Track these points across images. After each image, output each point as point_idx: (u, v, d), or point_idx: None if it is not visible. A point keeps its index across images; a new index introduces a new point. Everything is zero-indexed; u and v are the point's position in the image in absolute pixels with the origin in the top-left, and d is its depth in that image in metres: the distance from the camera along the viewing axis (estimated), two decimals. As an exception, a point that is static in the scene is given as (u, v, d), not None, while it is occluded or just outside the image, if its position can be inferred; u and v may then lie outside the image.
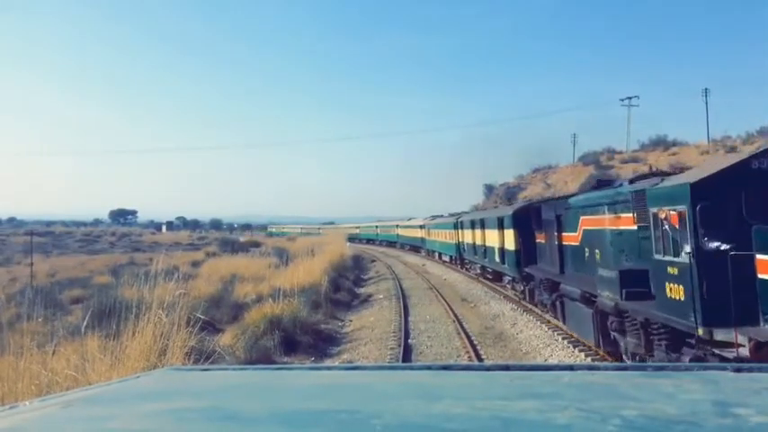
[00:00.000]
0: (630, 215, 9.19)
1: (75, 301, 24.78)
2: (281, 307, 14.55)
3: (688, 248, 7.29)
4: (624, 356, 9.83)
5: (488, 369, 1.55)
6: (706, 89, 59.05)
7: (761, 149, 8.25)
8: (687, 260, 7.32)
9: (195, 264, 36.63)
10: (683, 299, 7.38)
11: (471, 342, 13.45)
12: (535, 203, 17.91)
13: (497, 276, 22.55)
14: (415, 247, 51.54)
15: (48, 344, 7.91)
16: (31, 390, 6.02)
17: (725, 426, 0.96)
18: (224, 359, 10.93)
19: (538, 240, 16.04)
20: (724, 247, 6.88)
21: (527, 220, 16.88)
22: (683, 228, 7.44)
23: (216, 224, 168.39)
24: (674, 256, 7.68)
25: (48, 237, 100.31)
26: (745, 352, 6.52)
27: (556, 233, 13.71)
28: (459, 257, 31.93)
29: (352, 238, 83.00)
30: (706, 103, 57.83)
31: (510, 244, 18.75)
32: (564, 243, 13.25)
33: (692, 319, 7.12)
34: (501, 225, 20.10)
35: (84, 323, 8.42)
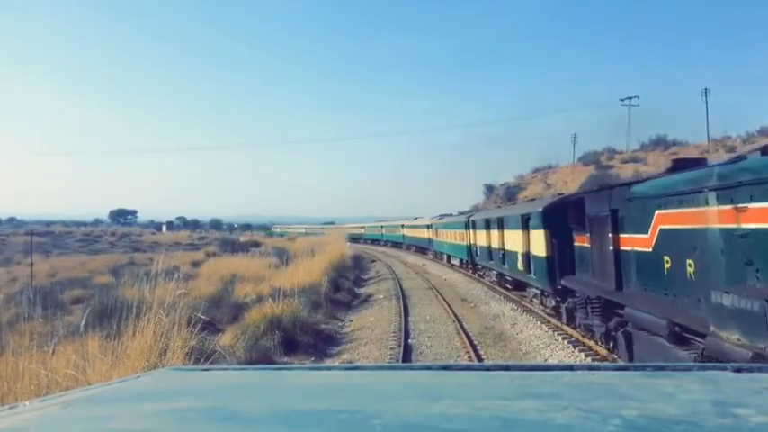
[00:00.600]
0: None
1: (76, 301, 24.80)
2: (281, 307, 14.55)
3: None
4: None
5: (488, 369, 1.55)
6: (706, 89, 59.13)
7: None
8: None
9: (195, 264, 36.66)
10: None
11: (471, 342, 13.45)
12: (573, 196, 14.41)
13: (519, 286, 19.12)
14: (422, 248, 48.20)
15: (48, 344, 7.91)
16: (30, 390, 6.02)
17: (725, 426, 0.96)
18: (224, 359, 10.93)
19: (578, 244, 12.60)
20: None
21: (561, 217, 13.25)
22: None
23: (216, 224, 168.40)
24: None
25: (48, 237, 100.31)
26: None
27: (610, 234, 10.04)
28: (471, 262, 28.32)
29: (356, 239, 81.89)
30: (706, 103, 57.88)
31: (539, 248, 15.05)
32: (623, 248, 9.82)
33: None
34: (526, 225, 16.65)
35: (83, 322, 8.43)
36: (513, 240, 18.29)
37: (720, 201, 6.54)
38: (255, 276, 24.05)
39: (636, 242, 9.18)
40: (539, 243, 15.02)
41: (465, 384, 1.39)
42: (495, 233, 21.23)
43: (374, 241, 76.55)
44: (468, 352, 12.55)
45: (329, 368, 2.40)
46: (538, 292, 16.55)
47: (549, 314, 15.71)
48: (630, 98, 63.34)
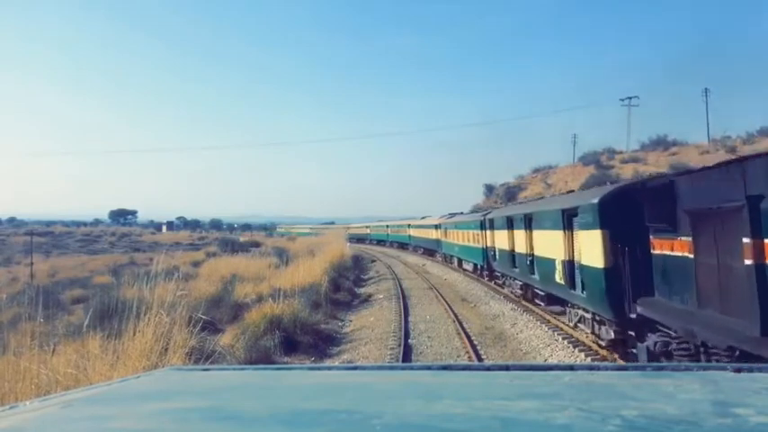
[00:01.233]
0: None
1: (76, 301, 24.83)
2: (281, 307, 14.56)
3: None
4: None
5: (488, 369, 1.55)
6: (706, 89, 59.06)
7: None
8: None
9: (195, 264, 36.66)
10: None
11: (471, 342, 13.45)
12: (653, 180, 10.37)
13: (554, 301, 14.75)
14: (430, 250, 44.26)
15: (48, 344, 7.91)
16: (31, 389, 6.02)
17: (725, 426, 0.96)
18: (224, 359, 10.94)
19: (661, 251, 8.82)
20: None
21: (632, 212, 9.37)
22: None
23: (216, 224, 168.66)
24: None
25: (48, 237, 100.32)
26: None
27: (747, 239, 6.07)
28: (487, 268, 24.29)
29: (361, 239, 79.23)
30: (706, 104, 57.84)
31: (592, 256, 10.66)
32: None
33: None
34: (568, 223, 12.25)
35: (87, 322, 8.43)
36: (547, 244, 13.97)
37: None
38: (255, 276, 24.05)
39: None
40: (592, 248, 10.58)
41: (465, 384, 1.39)
42: (520, 234, 17.04)
43: (380, 242, 72.56)
44: (468, 352, 12.55)
45: (329, 368, 2.40)
46: (587, 316, 12.03)
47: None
48: (630, 98, 63.33)
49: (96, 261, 57.36)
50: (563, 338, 13.22)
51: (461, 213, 37.79)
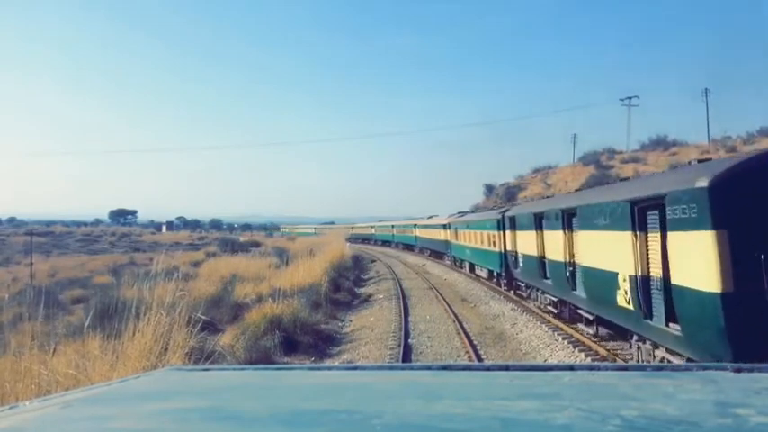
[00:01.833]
0: None
1: (76, 301, 24.83)
2: (281, 307, 14.56)
3: None
4: None
5: (488, 369, 1.55)
6: (706, 89, 59.01)
7: None
8: None
9: (195, 264, 36.66)
10: None
11: (471, 342, 13.45)
12: None
13: (609, 327, 11.62)
14: (438, 253, 40.37)
15: (49, 344, 7.92)
16: (31, 389, 6.02)
17: (725, 426, 0.96)
18: (224, 359, 10.94)
19: None
20: None
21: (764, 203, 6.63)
22: None
23: (216, 224, 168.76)
24: None
25: (48, 237, 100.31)
26: None
27: None
28: (506, 275, 20.57)
29: (365, 240, 77.47)
30: (706, 104, 57.79)
31: (698, 271, 7.01)
32: None
33: None
34: (641, 220, 8.71)
35: (87, 323, 8.43)
36: (602, 250, 10.24)
37: None
38: (255, 276, 24.05)
39: None
40: (695, 259, 7.05)
41: (465, 384, 1.39)
42: (554, 236, 13.29)
43: (385, 243, 68.68)
44: (467, 352, 12.55)
45: (329, 368, 2.40)
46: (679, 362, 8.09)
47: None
48: (630, 98, 63.25)
49: (96, 261, 57.36)
50: (563, 338, 13.22)
51: (473, 212, 34.52)
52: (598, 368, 1.45)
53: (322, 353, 13.67)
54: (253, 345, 12.29)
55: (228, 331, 15.05)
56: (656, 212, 8.19)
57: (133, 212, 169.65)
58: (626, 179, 13.74)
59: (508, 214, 19.63)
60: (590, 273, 10.96)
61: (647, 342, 9.25)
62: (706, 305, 6.81)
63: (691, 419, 0.99)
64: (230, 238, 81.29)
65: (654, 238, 8.37)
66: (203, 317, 10.12)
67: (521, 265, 17.65)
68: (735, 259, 6.53)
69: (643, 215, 8.63)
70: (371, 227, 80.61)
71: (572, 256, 12.27)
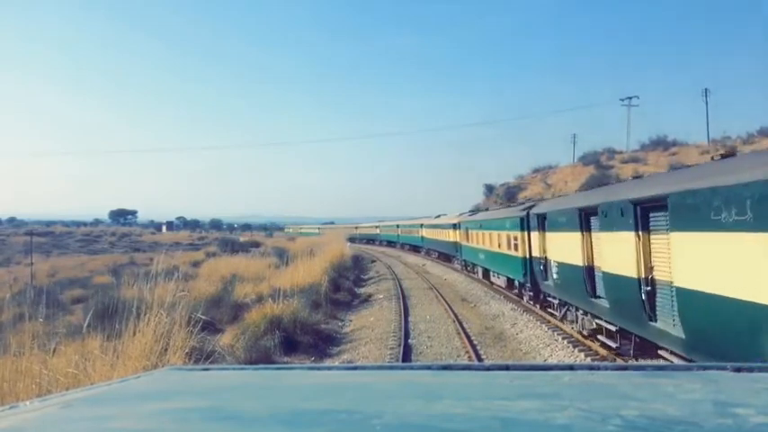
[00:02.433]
0: None
1: (76, 300, 24.83)
2: (281, 307, 14.57)
3: None
4: None
5: (488, 369, 1.55)
6: (706, 89, 58.95)
7: None
8: None
9: (195, 264, 36.69)
10: None
11: (471, 342, 13.45)
12: None
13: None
14: (447, 255, 37.02)
15: (49, 343, 7.92)
16: (31, 389, 6.03)
17: (725, 426, 0.96)
18: (224, 359, 10.95)
19: None
20: None
21: None
22: None
23: (216, 224, 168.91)
24: None
25: (48, 237, 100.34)
26: None
27: None
28: (532, 287, 16.98)
29: (370, 240, 76.31)
30: (706, 104, 57.74)
31: None
32: None
33: None
34: None
35: (87, 323, 8.43)
36: (720, 264, 6.52)
37: None
38: (255, 276, 24.07)
39: None
40: None
41: (465, 384, 1.39)
42: (616, 240, 9.68)
43: (390, 243, 65.72)
44: (467, 352, 12.55)
45: (329, 368, 2.40)
46: None
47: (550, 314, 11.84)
48: (630, 98, 63.19)
49: (96, 261, 57.37)
50: (563, 338, 13.23)
51: (486, 209, 31.37)
52: (598, 368, 1.45)
53: (322, 353, 13.67)
54: (253, 345, 12.30)
55: (228, 331, 15.06)
56: None
57: (133, 212, 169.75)
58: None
59: (535, 211, 15.99)
60: (696, 299, 7.11)
61: None
62: None
63: (691, 419, 0.99)
64: (230, 238, 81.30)
65: None
66: (203, 317, 10.13)
67: (553, 276, 14.00)
68: None
69: None
70: (376, 227, 78.36)
71: (650, 269, 8.68)
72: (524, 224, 16.99)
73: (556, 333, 13.90)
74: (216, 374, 1.77)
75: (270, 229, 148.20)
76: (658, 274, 8.43)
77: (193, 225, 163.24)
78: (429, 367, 1.58)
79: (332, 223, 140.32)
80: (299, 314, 14.65)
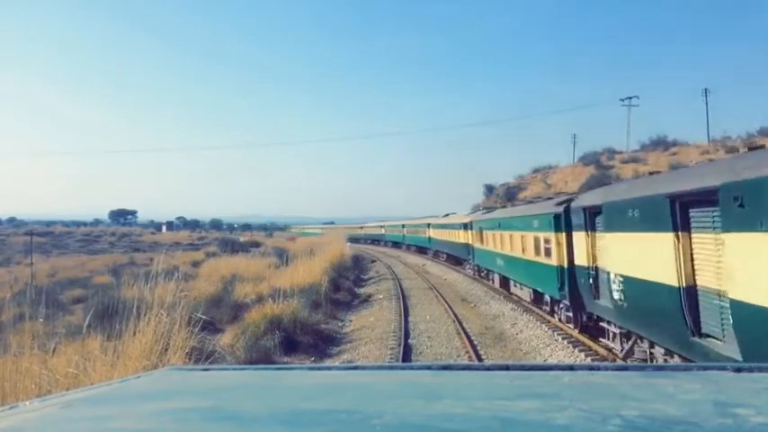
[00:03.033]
0: None
1: (76, 300, 24.83)
2: (281, 307, 14.57)
3: None
4: None
5: (488, 369, 1.55)
6: (706, 89, 58.92)
7: None
8: None
9: (195, 264, 36.69)
10: None
11: (471, 342, 13.45)
12: None
13: None
14: (457, 258, 33.50)
15: (49, 343, 7.92)
16: (31, 389, 6.02)
17: (725, 426, 0.96)
18: (224, 359, 10.95)
19: None
20: None
21: None
22: None
23: (216, 224, 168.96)
24: None
25: (48, 237, 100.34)
26: None
27: None
28: (574, 305, 12.99)
29: (375, 240, 75.06)
30: (706, 104, 57.72)
31: None
32: None
33: None
34: None
35: (87, 323, 8.43)
36: None
37: None
38: (255, 276, 24.07)
39: None
40: None
41: (465, 384, 1.39)
42: (746, 241, 5.59)
43: (395, 244, 63.06)
44: (467, 352, 12.55)
45: (329, 368, 2.40)
46: None
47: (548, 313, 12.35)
48: (630, 98, 63.15)
49: (96, 261, 57.37)
50: (563, 338, 13.22)
51: (504, 206, 27.42)
52: (598, 368, 1.45)
53: (322, 353, 13.67)
54: (253, 345, 12.30)
55: (228, 331, 15.06)
56: None
57: (133, 212, 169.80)
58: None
59: (579, 204, 12.22)
60: None
61: None
62: None
63: (691, 419, 0.99)
64: (230, 238, 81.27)
65: None
66: (203, 317, 10.12)
67: (613, 294, 10.06)
68: None
69: None
70: (381, 227, 75.27)
71: None
72: (560, 223, 13.32)
73: (556, 333, 13.89)
74: (216, 374, 1.77)
75: (270, 229, 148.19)
76: None
77: (193, 225, 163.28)
78: (429, 367, 1.58)
79: (332, 223, 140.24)
80: (299, 314, 14.65)
